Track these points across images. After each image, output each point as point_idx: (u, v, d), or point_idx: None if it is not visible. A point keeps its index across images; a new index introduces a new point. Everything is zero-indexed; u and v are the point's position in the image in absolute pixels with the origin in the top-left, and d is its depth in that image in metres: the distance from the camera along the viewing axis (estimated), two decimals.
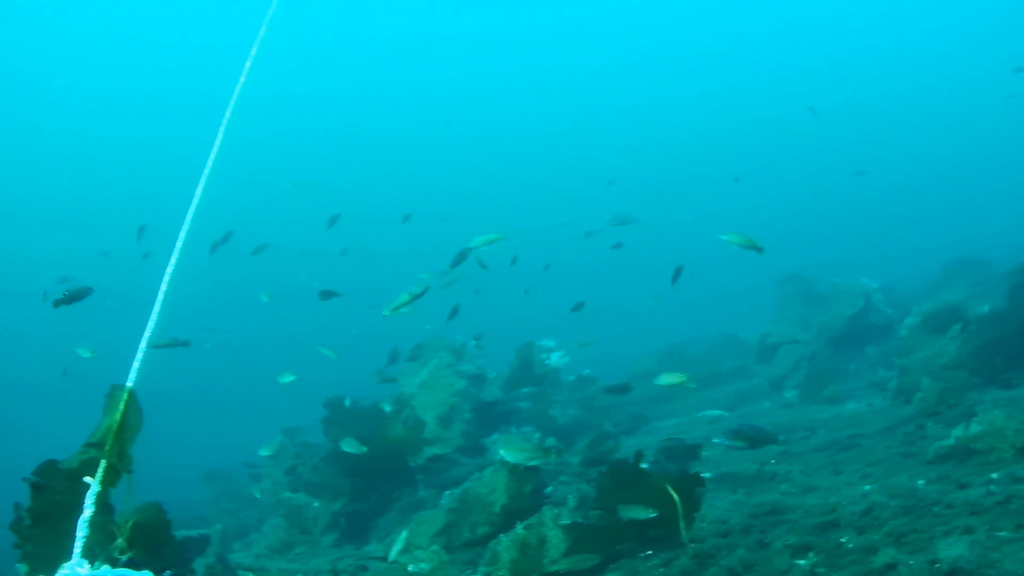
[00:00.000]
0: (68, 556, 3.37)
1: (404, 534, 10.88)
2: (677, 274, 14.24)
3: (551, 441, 17.09)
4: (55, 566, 3.14)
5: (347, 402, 16.03)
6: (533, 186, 79.57)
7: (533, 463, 11.29)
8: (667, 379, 13.63)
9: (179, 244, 4.07)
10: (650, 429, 20.71)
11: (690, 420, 21.05)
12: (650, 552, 8.74)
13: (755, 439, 10.30)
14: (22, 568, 6.46)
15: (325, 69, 75.74)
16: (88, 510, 3.59)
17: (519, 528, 8.73)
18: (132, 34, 71.12)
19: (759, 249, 11.82)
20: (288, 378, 17.89)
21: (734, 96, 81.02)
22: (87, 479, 3.84)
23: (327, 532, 14.77)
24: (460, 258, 14.53)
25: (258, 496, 18.30)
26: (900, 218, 69.35)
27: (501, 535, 8.97)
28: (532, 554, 8.55)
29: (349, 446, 14.37)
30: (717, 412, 21.42)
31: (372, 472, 15.05)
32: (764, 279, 33.95)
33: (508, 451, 11.17)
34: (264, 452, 18.95)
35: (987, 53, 71.96)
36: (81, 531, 3.43)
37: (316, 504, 15.06)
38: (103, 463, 4.30)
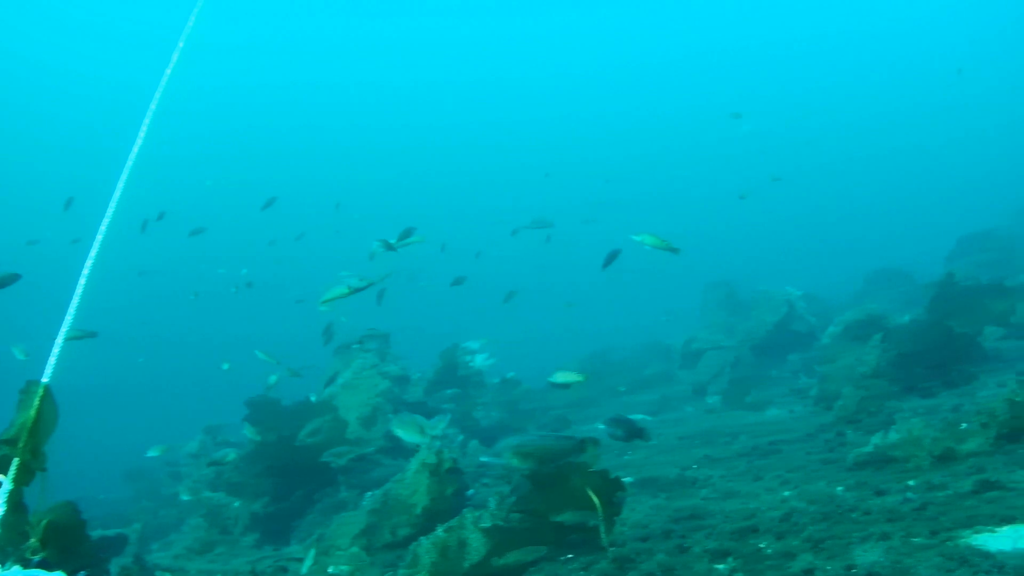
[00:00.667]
0: None
1: (312, 552, 10.79)
2: (611, 258, 14.16)
3: (473, 444, 17.13)
4: None
5: (271, 381, 15.93)
6: (479, 185, 79.46)
7: (416, 440, 11.40)
8: (562, 377, 13.69)
9: (101, 234, 4.02)
10: (573, 433, 20.80)
11: None
12: (570, 556, 8.76)
13: (629, 431, 10.49)
14: None
15: (269, 65, 75.08)
16: (0, 509, 3.55)
17: (439, 530, 8.72)
18: (69, 16, 70.13)
19: (674, 250, 11.93)
20: (226, 366, 17.84)
21: (671, 110, 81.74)
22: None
23: (247, 532, 14.64)
24: (404, 235, 14.54)
25: (186, 498, 18.09)
26: (828, 229, 70.25)
27: (421, 537, 8.96)
28: (452, 556, 8.54)
29: (249, 431, 14.34)
30: (640, 416, 21.55)
31: (293, 472, 14.95)
32: (692, 286, 34.26)
33: (400, 429, 11.37)
34: (152, 452, 18.80)
35: (919, 62, 73.13)
36: None
37: (236, 504, 14.93)
38: (15, 461, 4.23)
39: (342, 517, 12.10)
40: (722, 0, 79.02)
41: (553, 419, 21.28)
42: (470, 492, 12.34)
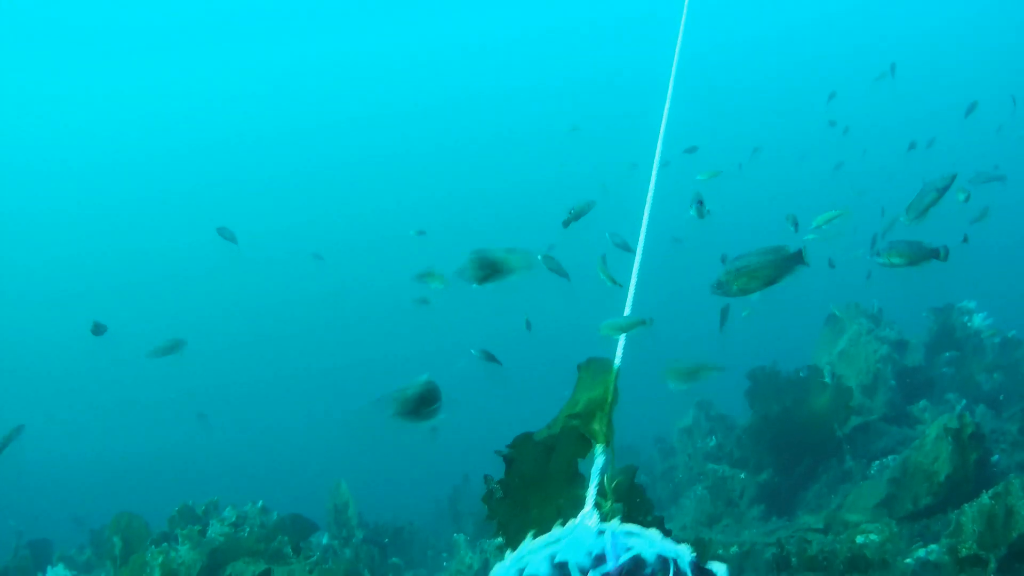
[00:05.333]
0: (536, 525, 3.43)
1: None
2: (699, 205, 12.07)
3: (980, 409, 16.25)
4: (522, 535, 3.20)
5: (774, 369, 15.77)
6: None
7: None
8: None
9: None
10: None
11: None
12: None
13: None
14: (496, 539, 6.76)
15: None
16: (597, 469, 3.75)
17: (984, 497, 8.27)
18: None
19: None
20: None
21: None
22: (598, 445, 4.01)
23: (753, 505, 14.63)
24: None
25: (681, 475, 18.32)
26: None
27: (964, 505, 8.54)
28: (999, 525, 8.08)
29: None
30: None
31: (796, 444, 14.82)
32: None
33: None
34: (681, 425, 19.06)
35: None
36: (592, 484, 3.58)
37: (742, 476, 14.97)
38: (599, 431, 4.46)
39: (860, 487, 11.86)
40: None
41: None
42: (994, 458, 11.70)
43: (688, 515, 15.63)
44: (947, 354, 18.30)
